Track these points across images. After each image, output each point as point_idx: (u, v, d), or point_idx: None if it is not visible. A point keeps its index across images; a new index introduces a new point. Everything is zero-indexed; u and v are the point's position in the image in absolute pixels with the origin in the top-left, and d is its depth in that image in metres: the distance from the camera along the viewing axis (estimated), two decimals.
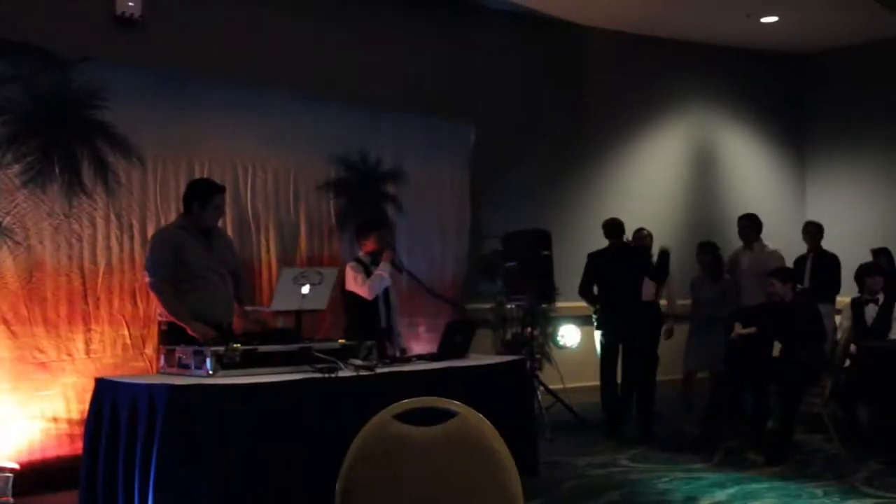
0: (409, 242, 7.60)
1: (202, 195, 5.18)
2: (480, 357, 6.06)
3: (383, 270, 6.23)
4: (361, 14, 8.19)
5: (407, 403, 2.11)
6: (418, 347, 7.12)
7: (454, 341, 5.76)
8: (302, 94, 7.20)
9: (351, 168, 7.27)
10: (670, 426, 7.53)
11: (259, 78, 7.14)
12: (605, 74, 9.90)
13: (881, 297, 7.04)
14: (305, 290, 5.07)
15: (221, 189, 5.35)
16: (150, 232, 5.94)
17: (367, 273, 6.24)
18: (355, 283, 6.22)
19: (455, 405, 2.13)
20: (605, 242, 7.66)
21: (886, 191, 10.41)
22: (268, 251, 6.71)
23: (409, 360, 5.56)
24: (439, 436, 2.09)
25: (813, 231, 8.46)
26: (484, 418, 2.12)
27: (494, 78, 9.01)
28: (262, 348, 4.78)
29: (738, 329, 6.88)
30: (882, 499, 5.21)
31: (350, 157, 7.27)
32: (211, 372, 4.54)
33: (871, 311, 7.00)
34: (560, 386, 8.14)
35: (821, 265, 8.25)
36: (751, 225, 8.12)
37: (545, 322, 8.20)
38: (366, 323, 6.08)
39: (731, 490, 5.46)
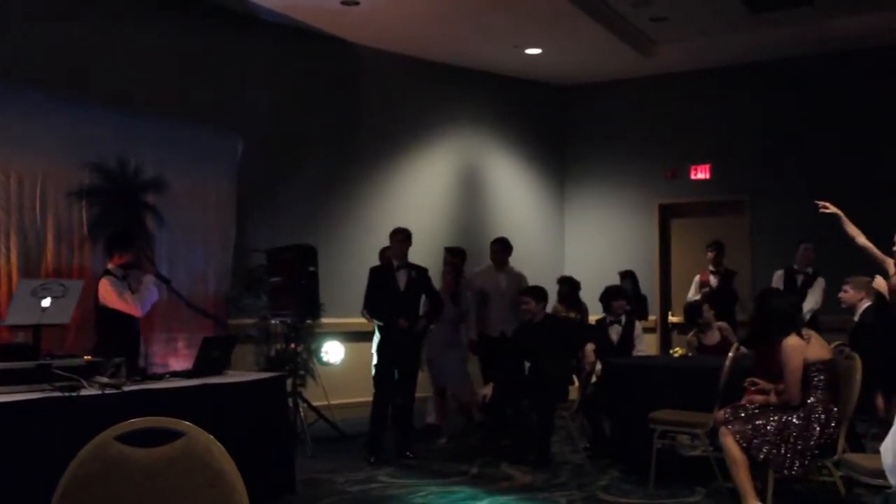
0: (169, 255, 7.33)
1: None
2: (239, 374, 5.90)
3: (150, 284, 5.91)
4: (125, 13, 7.81)
5: (129, 424, 2.00)
6: (177, 364, 6.86)
7: (211, 357, 5.59)
8: (53, 93, 6.75)
9: (107, 175, 6.91)
10: (428, 442, 7.69)
11: (3, 72, 6.62)
12: (378, 93, 10.02)
13: (624, 318, 7.56)
14: (46, 303, 4.75)
15: None
16: None
17: (131, 288, 5.88)
18: (121, 299, 5.78)
19: (183, 425, 2.04)
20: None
21: (635, 218, 11.22)
22: (8, 261, 6.23)
23: (161, 377, 5.32)
24: (163, 457, 2.00)
25: None
26: (213, 438, 2.05)
27: (266, 90, 8.88)
28: None
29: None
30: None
31: (106, 163, 6.90)
32: None
33: (615, 330, 7.50)
34: (324, 402, 8.11)
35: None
36: (500, 249, 8.38)
37: (310, 338, 8.14)
38: (124, 339, 5.75)
39: (484, 502, 5.64)
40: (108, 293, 5.79)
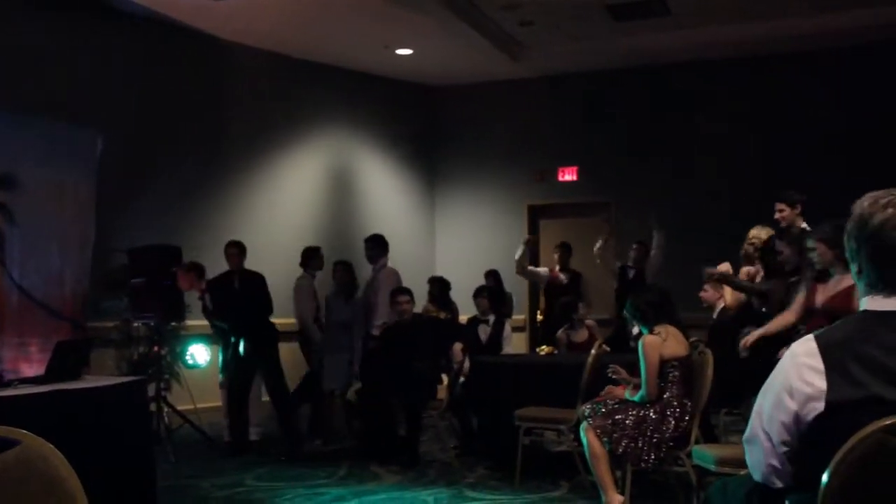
0: (21, 255, 6.95)
1: None
2: (97, 379, 5.68)
3: None
4: None
5: None
6: (30, 370, 6.53)
7: (65, 362, 5.35)
8: None
9: None
10: (302, 443, 7.60)
11: None
12: (246, 91, 9.83)
13: (493, 317, 7.67)
14: None
15: None
16: None
17: None
18: None
19: (17, 433, 1.95)
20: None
21: (505, 218, 11.40)
22: None
23: (10, 384, 5.06)
24: None
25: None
26: (52, 447, 1.96)
27: (129, 85, 8.59)
28: None
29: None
30: (483, 500, 5.65)
31: None
32: None
33: (483, 330, 7.60)
34: (190, 406, 7.91)
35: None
36: (374, 246, 8.31)
37: (174, 341, 7.92)
38: None
39: (351, 503, 5.61)
40: None
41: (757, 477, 2.26)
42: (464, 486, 6.01)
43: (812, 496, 2.03)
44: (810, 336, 2.05)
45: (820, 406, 1.97)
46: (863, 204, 2.02)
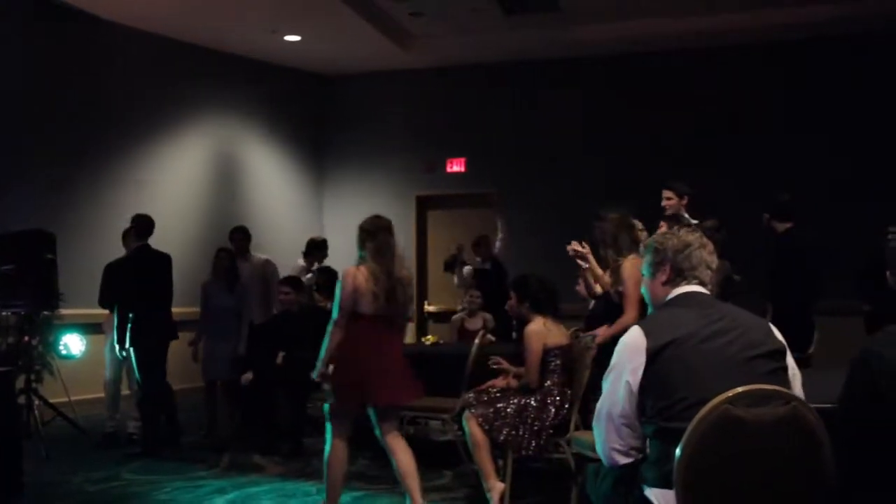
0: None
1: None
2: None
3: None
4: None
5: None
6: None
7: None
8: None
9: None
10: (188, 435, 7.42)
11: None
12: (128, 74, 9.50)
13: None
14: None
15: None
16: None
17: None
18: None
19: None
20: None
21: (393, 208, 11.24)
22: None
23: None
24: None
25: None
26: None
27: None
28: None
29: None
30: (366, 490, 5.67)
31: None
32: None
33: None
34: (64, 399, 7.61)
35: None
36: (244, 238, 8.18)
37: (47, 330, 7.60)
38: None
39: (231, 495, 5.52)
40: None
41: (604, 460, 2.73)
42: (349, 476, 5.97)
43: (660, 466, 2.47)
44: (635, 325, 2.67)
45: (643, 359, 2.55)
46: (671, 233, 2.89)
